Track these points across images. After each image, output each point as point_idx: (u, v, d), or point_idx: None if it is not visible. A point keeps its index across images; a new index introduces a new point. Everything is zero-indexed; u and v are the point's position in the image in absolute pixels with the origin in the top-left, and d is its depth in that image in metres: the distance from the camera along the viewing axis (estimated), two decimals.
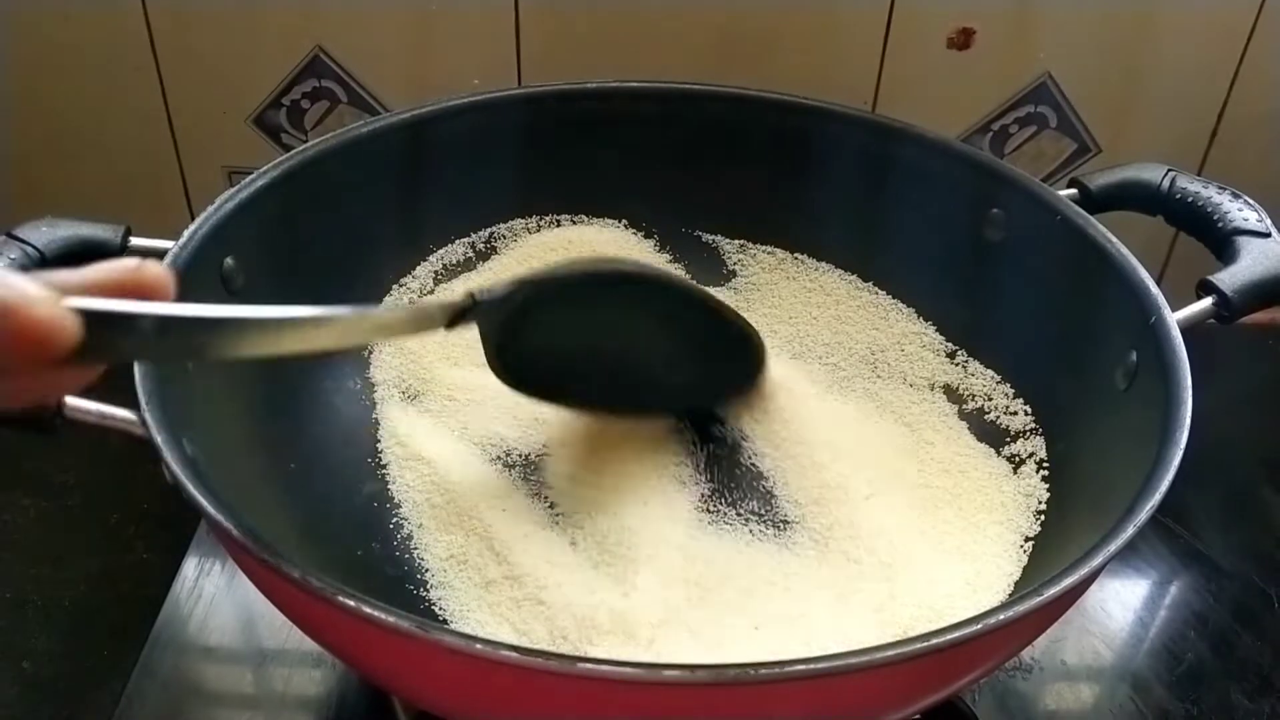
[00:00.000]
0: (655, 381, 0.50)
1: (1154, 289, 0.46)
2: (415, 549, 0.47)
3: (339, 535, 0.47)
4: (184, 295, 0.43)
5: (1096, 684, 0.51)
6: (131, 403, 0.38)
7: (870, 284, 0.59)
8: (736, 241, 0.62)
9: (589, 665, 0.32)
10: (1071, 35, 0.67)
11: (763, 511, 0.49)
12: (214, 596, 0.52)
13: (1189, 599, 0.55)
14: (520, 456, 0.51)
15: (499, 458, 0.51)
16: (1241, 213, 0.50)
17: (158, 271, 0.28)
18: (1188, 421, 0.40)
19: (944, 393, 0.55)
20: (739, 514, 0.49)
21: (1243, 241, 0.48)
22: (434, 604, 0.45)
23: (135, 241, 0.47)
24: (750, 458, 0.52)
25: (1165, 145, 0.70)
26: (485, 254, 0.59)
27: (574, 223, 0.61)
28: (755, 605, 0.44)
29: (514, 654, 0.31)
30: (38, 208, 0.47)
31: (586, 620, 0.42)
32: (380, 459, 0.51)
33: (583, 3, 0.65)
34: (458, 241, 0.59)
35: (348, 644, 0.38)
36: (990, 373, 0.55)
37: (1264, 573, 0.57)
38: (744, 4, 0.66)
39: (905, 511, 0.49)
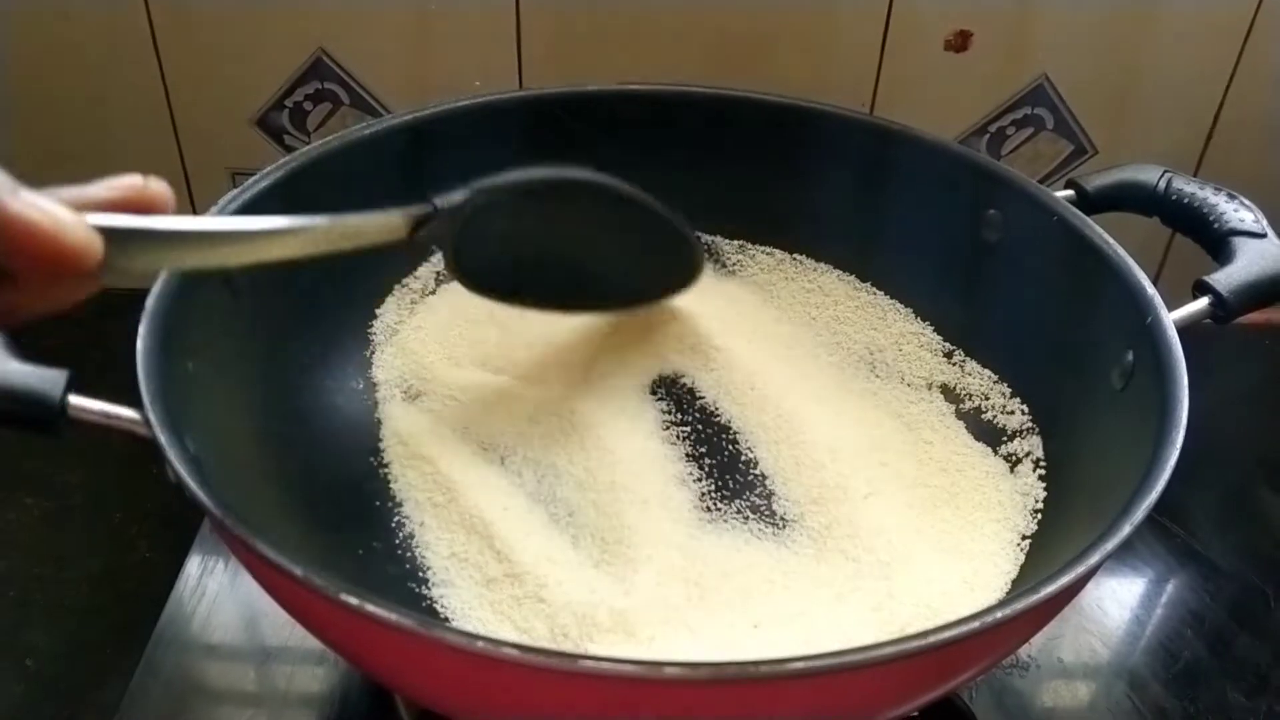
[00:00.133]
0: (603, 280, 0.53)
1: (1150, 289, 0.46)
2: (417, 547, 0.47)
3: (341, 534, 0.47)
4: (188, 294, 0.43)
5: (1093, 682, 0.51)
6: (134, 402, 0.38)
7: (868, 284, 0.60)
8: (736, 242, 0.62)
9: (590, 663, 0.32)
10: (1068, 37, 0.67)
11: (762, 510, 0.50)
12: (217, 595, 0.52)
13: (1186, 598, 0.56)
14: (521, 456, 0.51)
15: (500, 457, 0.51)
16: (1237, 213, 0.50)
17: (161, 187, 0.29)
18: (1184, 421, 0.40)
19: (941, 392, 0.55)
20: (738, 513, 0.49)
21: (1239, 242, 0.49)
22: (435, 602, 0.45)
23: None
24: (749, 457, 0.52)
25: (1162, 146, 0.70)
26: None
27: None
28: (754, 604, 0.45)
29: (515, 652, 0.32)
30: None
31: (587, 618, 0.43)
32: (382, 458, 0.51)
33: (583, 4, 0.65)
34: None
35: (350, 642, 0.38)
36: (987, 372, 0.55)
37: (1261, 572, 0.57)
38: (743, 6, 0.66)
39: (903, 510, 0.49)
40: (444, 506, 0.48)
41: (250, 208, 0.48)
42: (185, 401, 0.40)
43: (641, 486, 0.49)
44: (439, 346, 0.55)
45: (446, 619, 0.44)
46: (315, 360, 0.52)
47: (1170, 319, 0.45)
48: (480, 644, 0.32)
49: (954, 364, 0.56)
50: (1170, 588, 0.56)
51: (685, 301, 0.58)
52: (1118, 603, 0.55)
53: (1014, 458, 0.51)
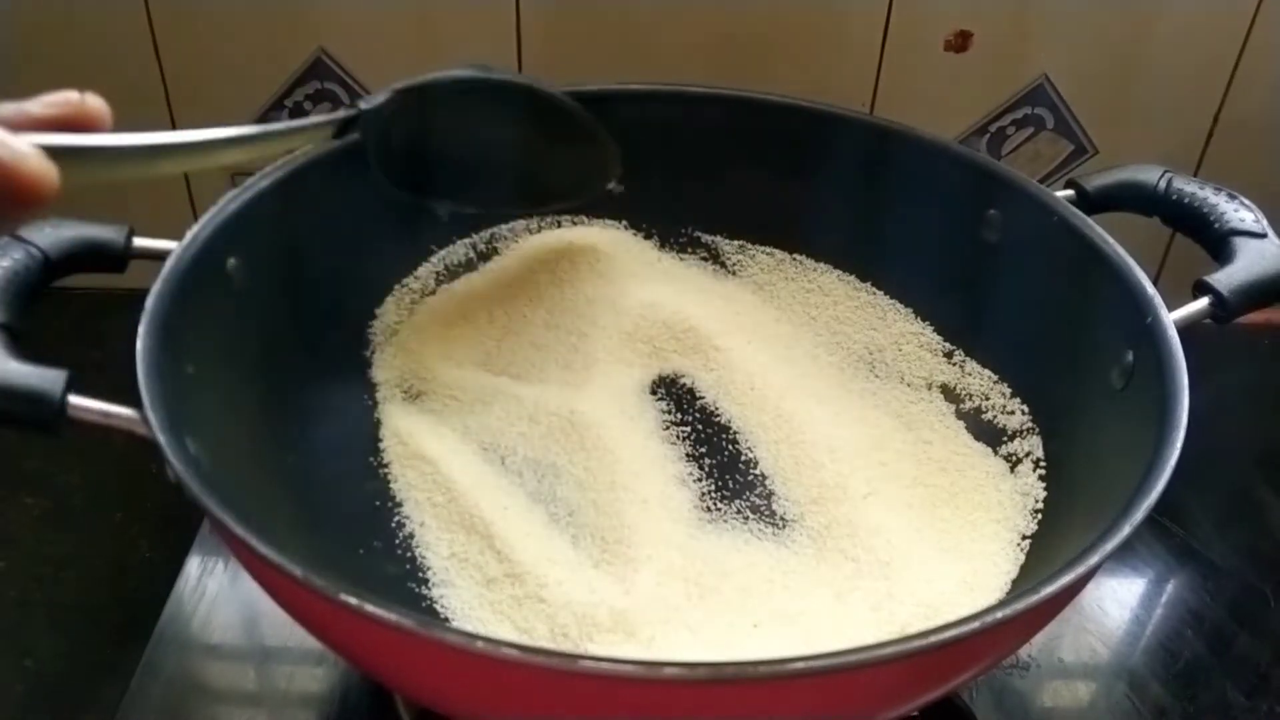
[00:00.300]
0: (521, 179, 0.55)
1: (1150, 289, 0.46)
2: (417, 547, 0.47)
3: (341, 534, 0.47)
4: (188, 295, 0.43)
5: (1093, 682, 0.51)
6: (134, 402, 0.38)
7: (868, 284, 0.60)
8: (736, 242, 0.62)
9: (589, 663, 0.32)
10: (1068, 37, 0.67)
11: (762, 510, 0.50)
12: (217, 595, 0.52)
13: (1186, 597, 0.56)
14: (521, 456, 0.51)
15: (500, 457, 0.51)
16: (1238, 213, 0.50)
17: (98, 103, 0.30)
18: (1184, 421, 0.40)
19: (941, 392, 0.55)
20: (738, 513, 0.49)
21: (1239, 242, 0.49)
22: (435, 602, 0.45)
23: (139, 242, 0.47)
24: (749, 457, 0.52)
25: (1162, 146, 0.70)
26: (486, 254, 0.60)
27: (574, 223, 0.61)
28: (754, 603, 0.45)
29: (515, 652, 0.32)
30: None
31: (587, 618, 0.43)
32: (382, 458, 0.51)
33: (583, 4, 0.65)
34: (459, 242, 0.59)
35: (350, 642, 0.38)
36: (987, 372, 0.55)
37: (1260, 571, 0.57)
38: (743, 6, 0.66)
39: (903, 510, 0.49)
40: (444, 506, 0.48)
41: (250, 207, 0.48)
42: (185, 401, 0.40)
43: (641, 486, 0.49)
44: (439, 346, 0.55)
45: (446, 619, 0.44)
46: (315, 360, 0.52)
47: (1170, 319, 0.45)
48: (480, 644, 0.32)
49: (954, 364, 0.56)
50: (1170, 587, 0.56)
51: (686, 302, 0.58)
52: (1118, 602, 0.55)
53: (1014, 458, 0.51)
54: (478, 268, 0.59)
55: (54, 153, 0.27)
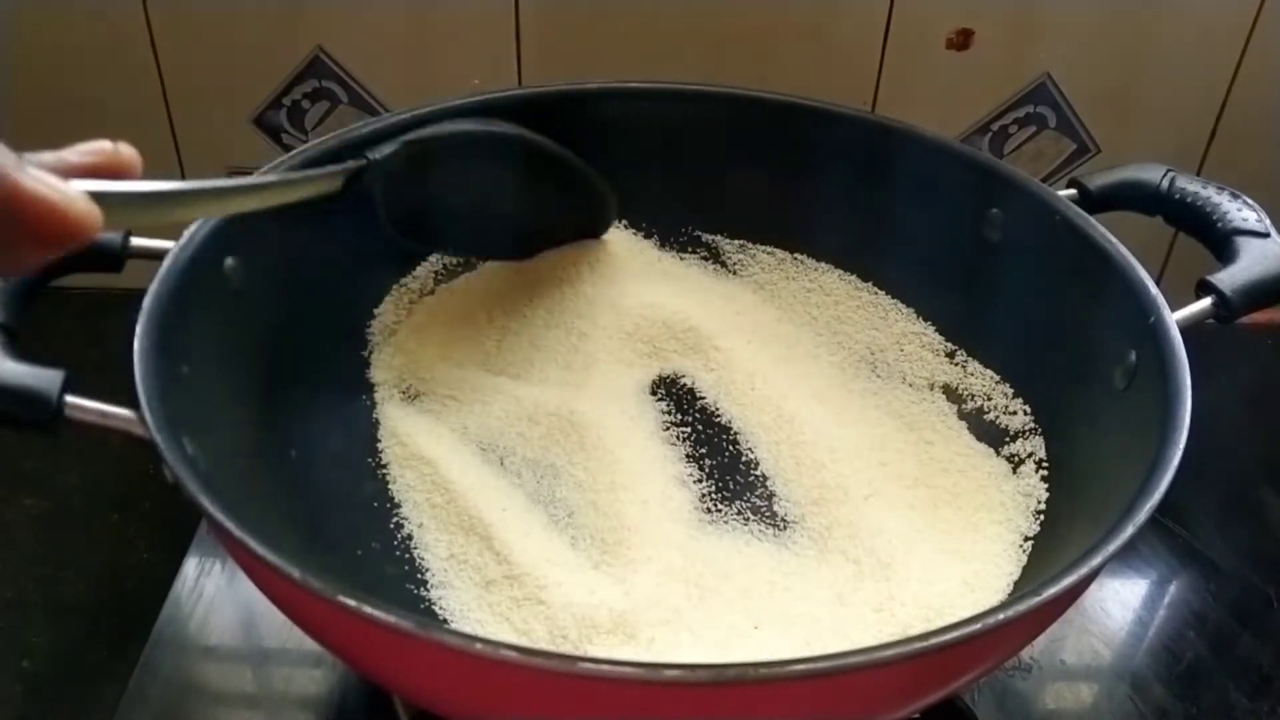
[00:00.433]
0: (523, 228, 0.57)
1: (1153, 289, 0.46)
2: (415, 549, 0.47)
3: (339, 535, 0.47)
4: (185, 295, 0.43)
5: (1095, 683, 0.51)
6: (132, 402, 0.38)
7: (869, 284, 0.59)
8: (736, 241, 0.62)
9: (589, 665, 0.32)
10: (1071, 36, 0.67)
11: (762, 511, 0.50)
12: (215, 596, 0.52)
13: (1188, 598, 0.55)
14: (520, 456, 0.51)
15: (499, 458, 0.51)
16: (1241, 213, 0.50)
17: (131, 152, 0.31)
18: (1187, 421, 0.40)
19: (943, 392, 0.55)
20: (739, 514, 0.49)
21: (1242, 241, 0.49)
22: (434, 604, 0.45)
23: (136, 242, 0.47)
24: (750, 458, 0.52)
25: (1164, 145, 0.70)
26: None
27: None
28: (755, 605, 0.44)
29: (514, 653, 0.31)
30: None
31: (586, 620, 0.43)
32: (380, 459, 0.51)
33: (583, 3, 0.65)
34: None
35: (348, 644, 0.38)
36: (989, 372, 0.55)
37: (1263, 572, 0.57)
38: (744, 4, 0.66)
39: (905, 511, 0.49)
40: (442, 507, 0.48)
41: None
42: (182, 402, 0.40)
43: (641, 487, 0.49)
44: (437, 346, 0.55)
45: (445, 621, 0.44)
46: (313, 360, 0.52)
47: (1173, 319, 0.44)
48: (479, 646, 0.32)
49: (956, 364, 0.56)
50: (1172, 588, 0.56)
51: (686, 302, 0.57)
52: (1120, 604, 0.55)
53: (1016, 458, 0.51)
54: (476, 268, 0.59)
55: (103, 199, 0.29)
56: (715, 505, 0.50)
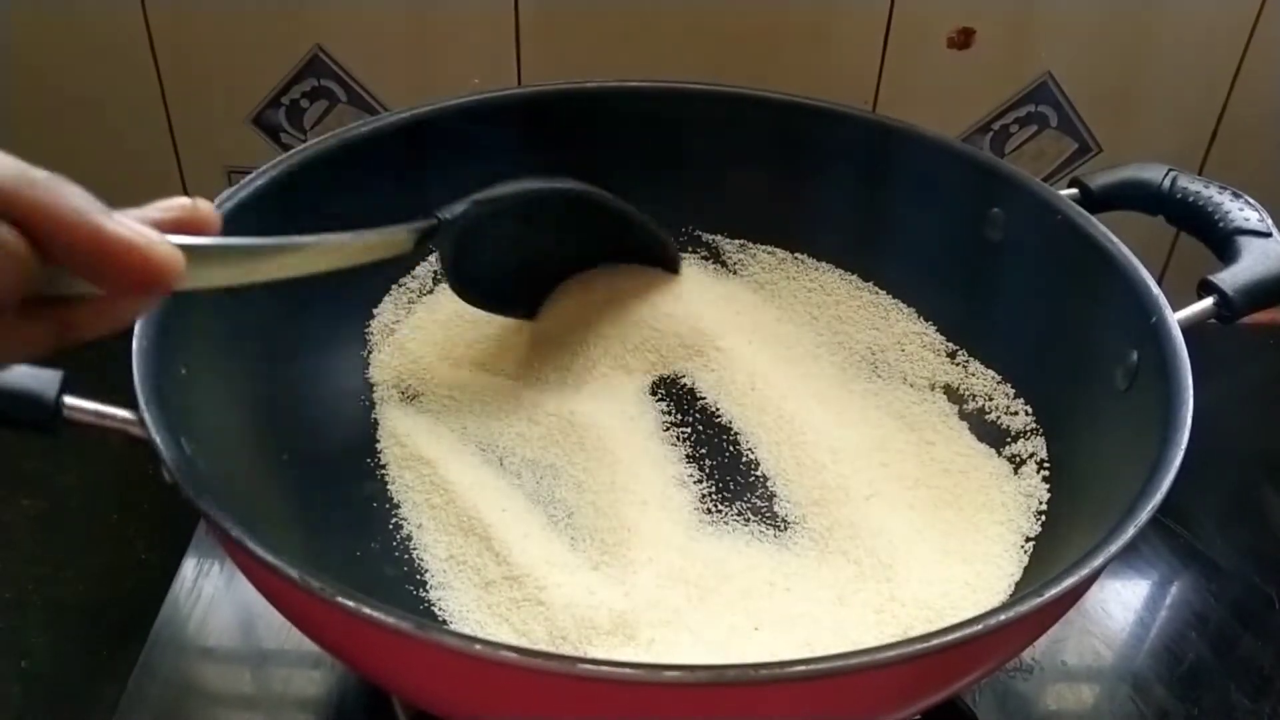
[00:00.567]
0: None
1: (1155, 289, 0.46)
2: (414, 549, 0.47)
3: (338, 536, 0.47)
4: (185, 295, 0.43)
5: (1097, 684, 0.51)
6: (130, 403, 0.38)
7: (870, 284, 0.59)
8: (736, 241, 0.62)
9: (589, 666, 0.32)
10: (1072, 35, 0.67)
11: (763, 512, 0.49)
12: (213, 596, 0.52)
13: (1189, 599, 0.55)
14: (519, 457, 0.51)
15: (499, 458, 0.51)
16: (1242, 212, 0.50)
17: (209, 208, 0.32)
18: (1188, 421, 0.40)
19: (944, 393, 0.55)
20: (739, 514, 0.49)
21: (1244, 241, 0.48)
22: (433, 604, 0.45)
23: None
24: (750, 458, 0.52)
25: (1166, 145, 0.70)
26: None
27: None
28: (755, 606, 0.44)
29: (513, 655, 0.31)
30: None
31: (586, 621, 0.42)
32: (379, 459, 0.51)
33: (583, 3, 0.65)
34: None
35: (347, 645, 0.37)
36: (991, 373, 0.55)
37: (1265, 573, 0.57)
38: (744, 4, 0.66)
39: (906, 512, 0.48)
40: (442, 508, 0.48)
41: (246, 206, 0.47)
42: (181, 402, 0.40)
43: (641, 488, 0.49)
44: (437, 346, 0.55)
45: (444, 621, 0.44)
46: (312, 361, 0.52)
47: (1175, 319, 0.44)
48: (478, 647, 0.32)
49: (957, 364, 0.56)
50: (1174, 589, 0.56)
51: (686, 302, 0.57)
52: (1121, 604, 0.55)
53: (1017, 459, 0.51)
54: None
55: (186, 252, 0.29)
56: (715, 506, 0.50)
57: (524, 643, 0.42)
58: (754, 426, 0.53)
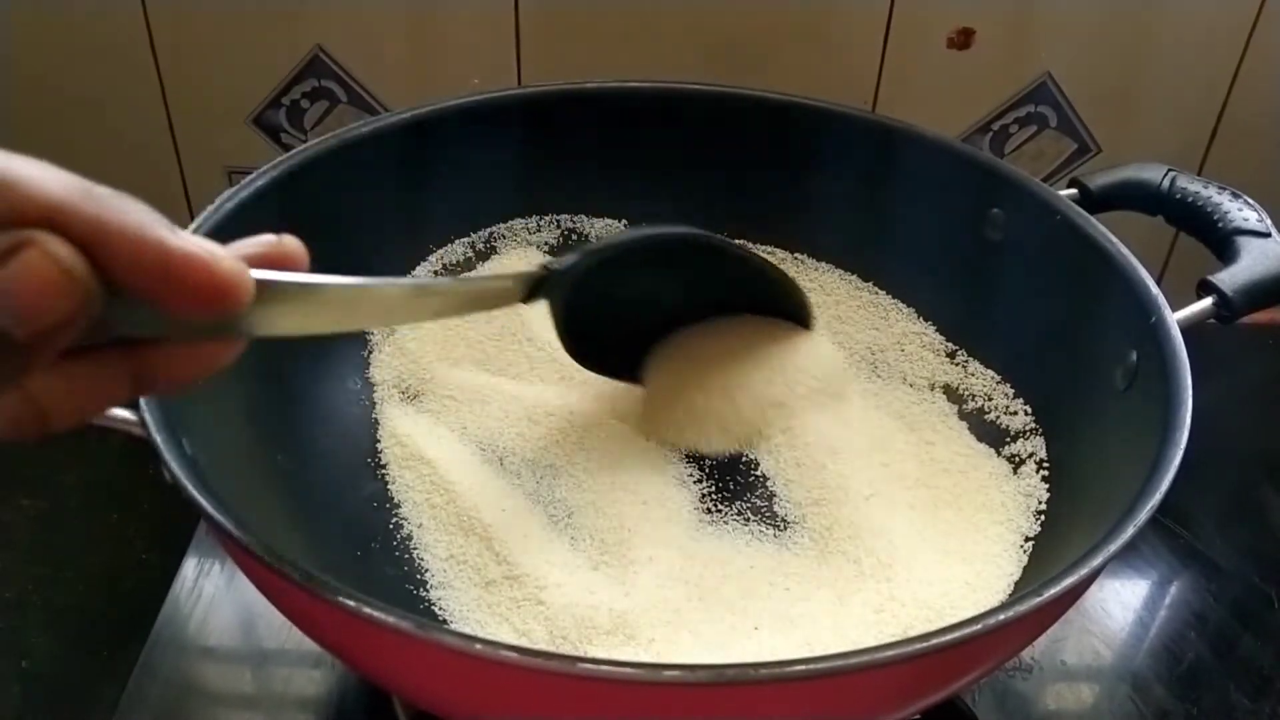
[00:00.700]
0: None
1: (1154, 289, 0.46)
2: (415, 549, 0.47)
3: (338, 536, 0.47)
4: None
5: (1096, 684, 0.51)
6: (131, 403, 0.38)
7: (870, 284, 0.59)
8: (736, 241, 0.61)
9: (589, 666, 0.32)
10: (1072, 35, 0.67)
11: (763, 511, 0.49)
12: (214, 596, 0.52)
13: (1189, 599, 0.55)
14: (520, 457, 0.51)
15: (499, 458, 0.51)
16: (1242, 213, 0.50)
17: (296, 244, 0.29)
18: (1188, 421, 0.40)
19: (944, 393, 0.55)
20: (739, 514, 0.49)
21: (1243, 241, 0.48)
22: (434, 604, 0.45)
23: None
24: (750, 458, 0.52)
25: (1165, 145, 0.70)
26: (485, 254, 0.59)
27: (574, 222, 0.61)
28: (755, 605, 0.44)
29: (514, 654, 0.31)
30: None
31: (586, 620, 0.42)
32: (380, 459, 0.51)
33: (583, 3, 0.65)
34: (457, 241, 0.59)
35: (347, 644, 0.38)
36: (990, 373, 0.55)
37: (1264, 572, 0.57)
38: (744, 4, 0.66)
39: (905, 512, 0.48)
40: (442, 508, 0.48)
41: (247, 206, 0.47)
42: (181, 402, 0.40)
43: (641, 487, 0.49)
44: (437, 346, 0.55)
45: (445, 621, 0.44)
46: (312, 360, 0.52)
47: (1174, 319, 0.44)
48: (479, 646, 0.32)
49: (957, 364, 0.56)
50: (1173, 589, 0.56)
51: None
52: (1121, 604, 0.55)
53: (1017, 459, 0.51)
54: (476, 267, 0.59)
55: (265, 287, 0.27)
56: (715, 505, 0.50)
57: (524, 642, 0.42)
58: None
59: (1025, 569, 0.46)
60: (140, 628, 0.50)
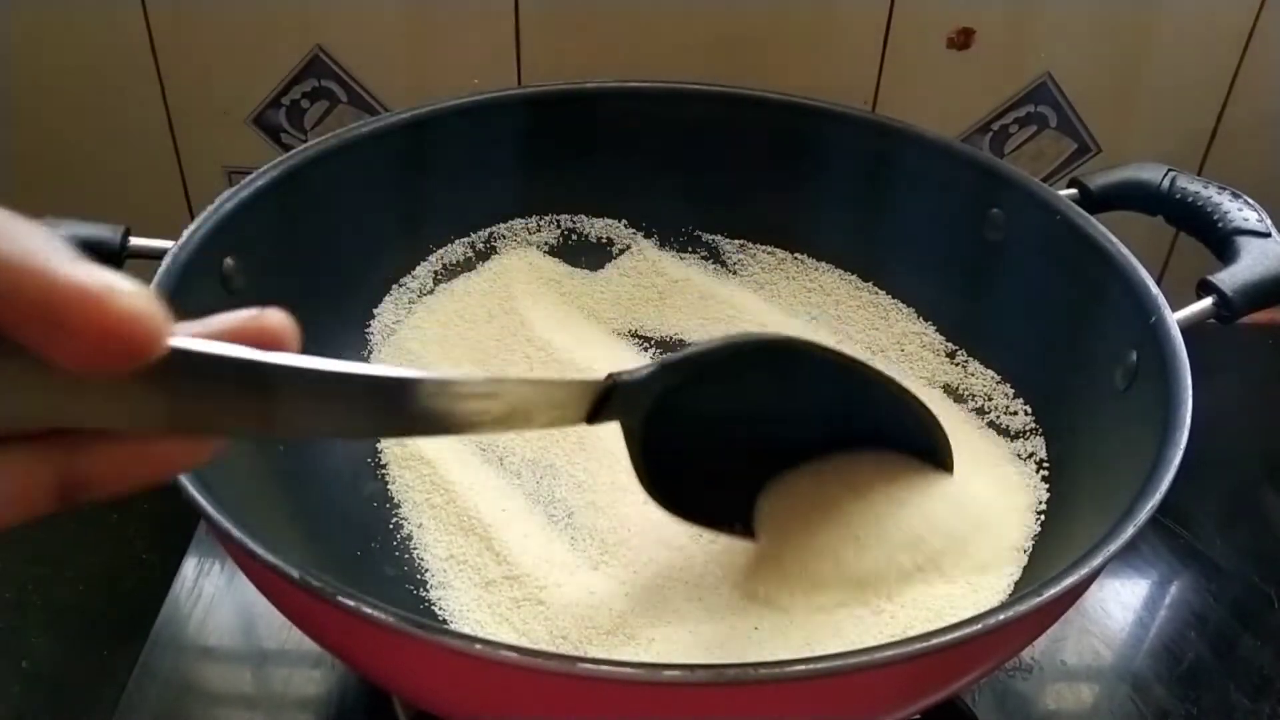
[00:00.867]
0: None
1: (1154, 289, 0.46)
2: (415, 549, 0.47)
3: (338, 535, 0.47)
4: (183, 295, 0.43)
5: (1096, 684, 0.51)
6: None
7: (870, 284, 0.59)
8: (736, 241, 0.62)
9: (589, 665, 0.32)
10: (1072, 35, 0.67)
11: None
12: (214, 596, 0.52)
13: (1189, 599, 0.55)
14: (520, 456, 0.51)
15: (499, 457, 0.51)
16: (1241, 212, 0.50)
17: (280, 318, 0.23)
18: (1188, 421, 0.40)
19: (944, 392, 0.55)
20: None
21: (1243, 241, 0.48)
22: (434, 604, 0.45)
23: (135, 242, 0.47)
24: None
25: (1165, 145, 0.70)
26: (485, 254, 0.59)
27: (574, 222, 0.61)
28: (755, 605, 0.44)
29: (514, 654, 0.31)
30: (37, 208, 0.46)
31: (586, 620, 0.42)
32: (380, 459, 0.51)
33: (583, 3, 0.65)
34: (457, 241, 0.59)
35: (347, 644, 0.37)
36: (990, 373, 0.55)
37: (1264, 572, 0.56)
38: (744, 4, 0.66)
39: None
40: (442, 508, 0.48)
41: (246, 206, 0.47)
42: None
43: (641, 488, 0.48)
44: (437, 347, 0.55)
45: (444, 621, 0.44)
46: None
47: (1174, 319, 0.44)
48: (479, 647, 0.32)
49: (956, 364, 0.56)
50: (1173, 589, 0.56)
51: (687, 301, 0.57)
52: (1121, 604, 0.55)
53: (1017, 459, 0.51)
54: (476, 267, 0.59)
55: (199, 362, 0.21)
56: None
57: (524, 642, 0.42)
58: None
59: (1025, 569, 0.46)
60: (140, 628, 0.50)
